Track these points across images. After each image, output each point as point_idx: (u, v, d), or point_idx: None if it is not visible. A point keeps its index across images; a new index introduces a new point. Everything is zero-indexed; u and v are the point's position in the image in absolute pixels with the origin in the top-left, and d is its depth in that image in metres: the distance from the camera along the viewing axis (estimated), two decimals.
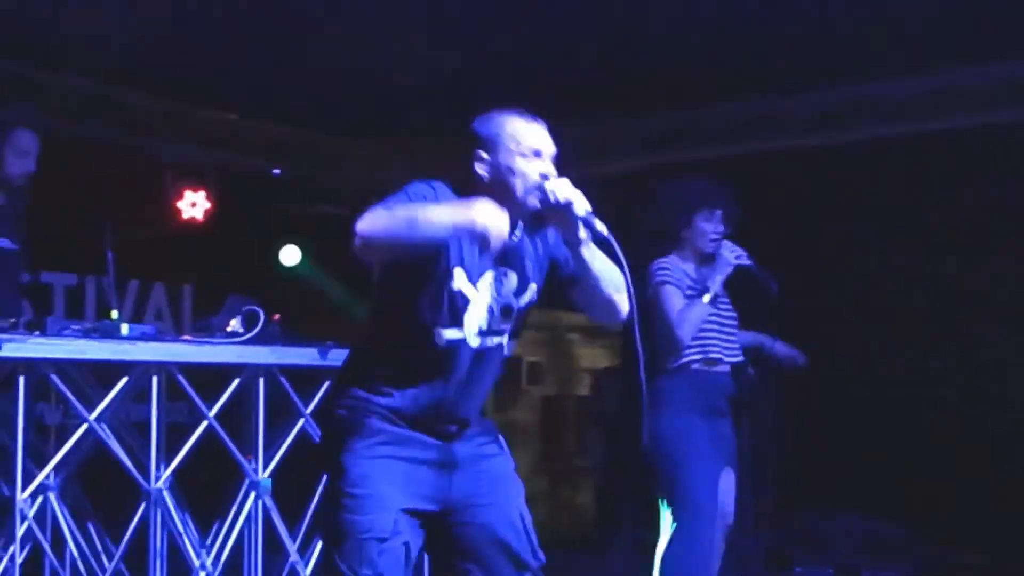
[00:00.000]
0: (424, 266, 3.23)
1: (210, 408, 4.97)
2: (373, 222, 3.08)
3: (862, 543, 6.97)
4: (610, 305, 3.37)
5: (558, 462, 10.26)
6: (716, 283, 4.81)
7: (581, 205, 3.21)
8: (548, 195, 3.23)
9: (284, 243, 8.48)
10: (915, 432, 7.24)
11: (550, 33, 6.41)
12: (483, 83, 7.14)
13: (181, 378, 4.84)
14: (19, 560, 4.38)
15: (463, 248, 3.24)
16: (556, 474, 10.16)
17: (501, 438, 3.47)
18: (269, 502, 5.21)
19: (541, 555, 3.39)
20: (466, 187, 3.28)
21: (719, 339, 4.87)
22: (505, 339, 3.36)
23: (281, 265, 8.44)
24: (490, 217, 3.02)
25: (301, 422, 5.33)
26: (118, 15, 6.12)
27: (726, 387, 4.91)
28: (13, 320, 4.56)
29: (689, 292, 4.82)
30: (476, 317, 3.28)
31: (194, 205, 7.98)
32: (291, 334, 5.30)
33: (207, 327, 5.18)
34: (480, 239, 3.03)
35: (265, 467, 5.21)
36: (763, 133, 7.72)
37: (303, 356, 5.25)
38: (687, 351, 4.80)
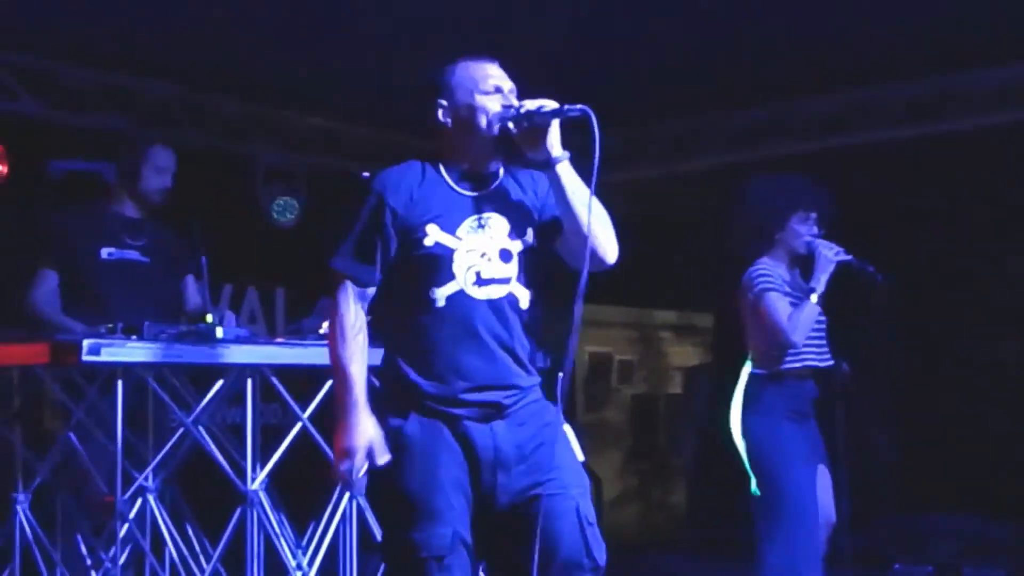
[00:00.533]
0: (401, 243, 3.27)
1: (303, 410, 5.02)
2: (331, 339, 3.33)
3: (965, 542, 6.88)
4: (593, 239, 3.23)
5: (649, 461, 10.22)
6: (821, 283, 4.73)
7: (548, 104, 3.19)
8: (514, 113, 3.23)
9: None
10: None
11: (639, 28, 6.38)
12: (577, 80, 7.17)
13: (275, 380, 4.89)
14: (120, 561, 4.45)
15: (434, 202, 3.26)
16: (647, 473, 10.12)
17: (556, 411, 3.29)
18: (363, 502, 5.24)
19: (598, 556, 3.27)
20: (433, 140, 3.34)
21: (814, 346, 4.82)
22: (514, 287, 3.27)
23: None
24: (353, 440, 3.17)
25: None
26: (211, 23, 6.22)
27: (811, 392, 4.86)
28: (111, 325, 4.65)
29: (788, 296, 4.77)
30: (467, 265, 3.23)
31: (285, 209, 8.06)
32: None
33: (299, 330, 5.23)
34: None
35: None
36: (853, 125, 7.64)
37: None
38: (787, 359, 4.76)
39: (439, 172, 3.35)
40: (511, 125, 3.24)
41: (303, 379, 5.16)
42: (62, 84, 6.85)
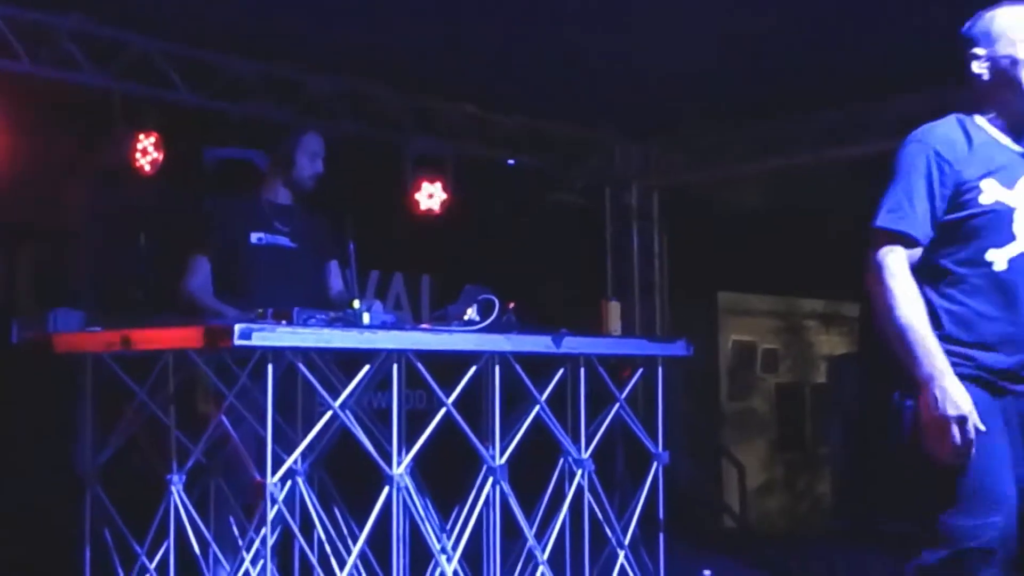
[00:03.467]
0: (952, 202, 3.04)
1: (448, 395, 5.06)
2: (884, 298, 2.99)
3: None
4: None
5: (795, 451, 10.10)
6: None
7: None
8: None
9: (521, 233, 8.57)
10: None
11: (800, 17, 6.28)
12: (728, 73, 7.12)
13: (420, 366, 4.94)
14: (270, 543, 4.54)
15: (987, 158, 3.05)
16: (792, 463, 10.01)
17: None
18: (506, 487, 5.27)
19: None
20: (970, 91, 3.14)
21: None
22: None
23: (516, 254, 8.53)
24: (958, 407, 2.87)
25: (536, 409, 5.37)
26: (363, 15, 6.30)
27: None
28: (261, 311, 4.74)
29: None
30: None
31: (431, 197, 8.13)
32: (525, 322, 5.35)
33: (444, 316, 5.28)
34: None
35: (502, 453, 5.28)
36: None
37: (537, 344, 5.29)
38: None
39: (983, 128, 3.16)
40: None
41: (448, 365, 5.20)
42: (221, 75, 7.00)
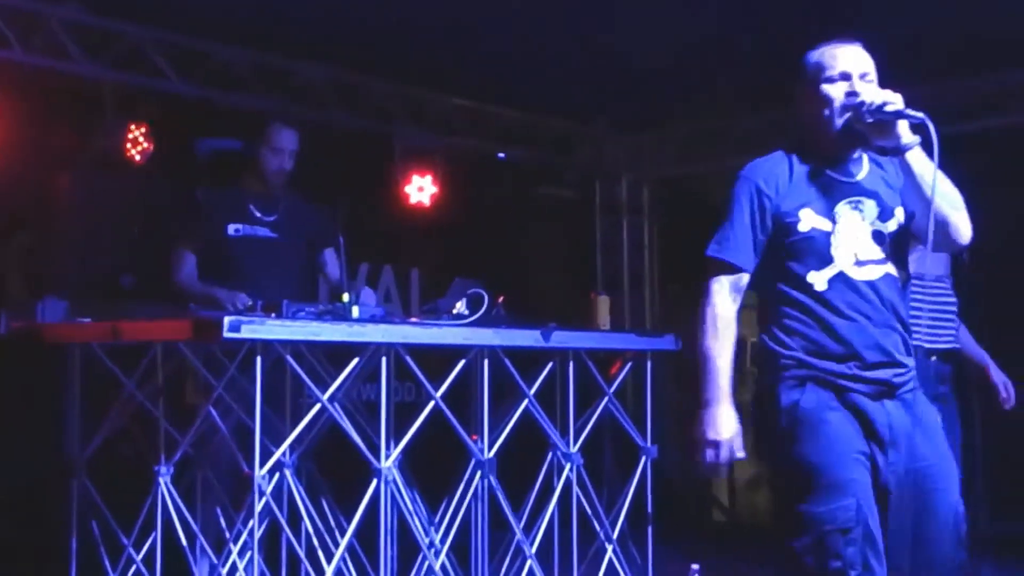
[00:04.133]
0: (775, 230, 3.37)
1: (436, 388, 5.06)
2: (700, 325, 3.39)
3: None
4: (946, 226, 3.30)
5: None
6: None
7: (892, 102, 3.23)
8: (858, 106, 3.27)
9: (510, 226, 8.57)
10: None
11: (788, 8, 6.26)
12: (719, 65, 7.11)
13: (409, 359, 4.94)
14: (257, 535, 4.54)
15: (805, 188, 3.35)
16: None
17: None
18: (494, 481, 5.28)
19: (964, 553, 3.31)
20: (794, 127, 3.44)
21: (923, 325, 4.69)
22: (890, 267, 3.35)
23: (505, 248, 8.53)
24: (720, 432, 3.30)
25: (525, 403, 5.38)
26: (355, 4, 6.29)
27: (938, 374, 4.75)
28: (251, 303, 4.75)
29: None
30: (846, 248, 3.31)
31: (421, 190, 8.12)
32: (515, 316, 5.35)
33: (434, 309, 5.27)
34: None
35: (490, 447, 5.28)
36: None
37: (526, 338, 5.30)
38: None
39: (804, 159, 3.43)
40: (853, 121, 3.30)
41: (437, 358, 5.21)
42: (213, 64, 6.98)
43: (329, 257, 5.67)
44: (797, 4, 6.17)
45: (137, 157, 6.70)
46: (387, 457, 4.87)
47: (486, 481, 5.26)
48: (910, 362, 3.37)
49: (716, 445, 3.30)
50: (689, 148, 9.12)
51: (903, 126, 3.25)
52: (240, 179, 5.61)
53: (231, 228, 5.43)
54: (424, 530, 5.19)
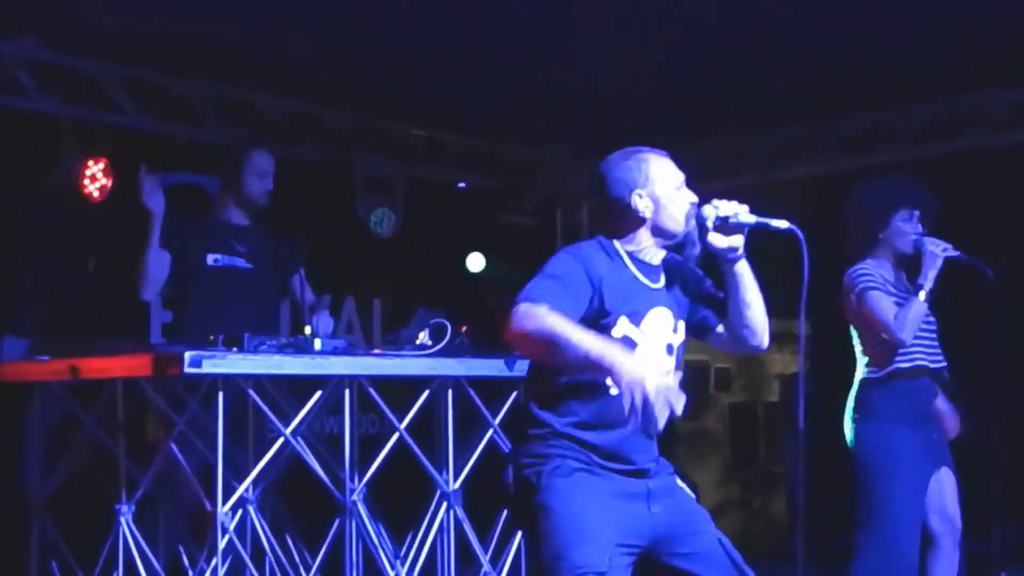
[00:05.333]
0: (590, 319, 3.24)
1: (401, 420, 5.03)
2: (524, 324, 3.08)
3: None
4: (758, 330, 3.51)
5: (749, 470, 10.11)
6: (929, 279, 4.62)
7: (746, 213, 3.38)
8: (716, 214, 3.38)
9: (471, 254, 8.56)
10: None
11: (738, 37, 6.34)
12: (674, 91, 7.15)
13: (372, 391, 4.91)
14: (221, 573, 4.50)
15: (624, 292, 3.31)
16: (747, 482, 10.02)
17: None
18: (461, 512, 5.25)
19: (750, 572, 3.41)
20: (616, 226, 3.41)
21: (923, 346, 4.72)
22: (673, 377, 3.38)
23: (469, 276, 8.52)
24: (641, 372, 3.00)
25: (490, 433, 5.36)
26: (313, 37, 6.27)
27: (931, 393, 4.77)
28: (212, 337, 4.71)
29: (892, 296, 4.69)
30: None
31: (380, 219, 8.09)
32: (478, 346, 5.34)
33: (397, 340, 5.26)
34: (630, 393, 2.99)
35: (456, 478, 5.26)
36: (961, 132, 7.50)
37: (490, 367, 5.29)
38: (897, 359, 4.67)
39: (623, 258, 3.42)
40: (710, 225, 3.39)
41: (401, 389, 5.19)
42: (171, 97, 6.94)
43: (297, 283, 5.61)
44: (746, 32, 6.20)
45: (96, 193, 6.63)
46: (352, 491, 4.84)
47: (452, 512, 5.24)
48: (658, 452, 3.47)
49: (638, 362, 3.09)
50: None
51: (741, 238, 3.38)
52: (211, 209, 5.56)
53: (211, 258, 5.37)
54: (390, 564, 5.14)
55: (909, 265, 4.78)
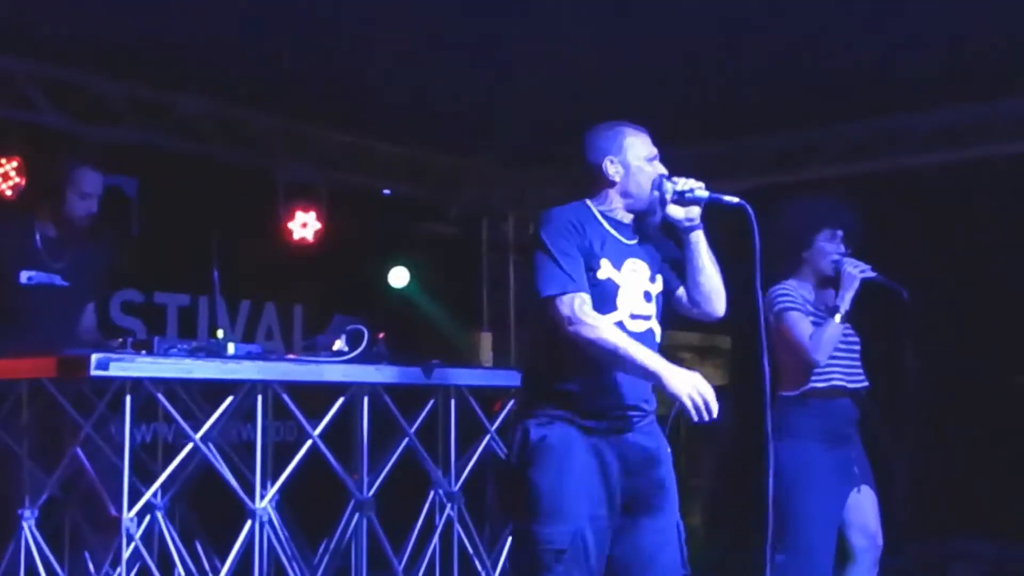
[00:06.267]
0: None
1: (315, 427, 4.97)
2: (586, 334, 3.43)
3: (988, 567, 6.78)
4: (712, 297, 3.75)
5: None
6: (846, 301, 4.62)
7: (702, 189, 3.70)
8: (673, 188, 3.69)
9: (394, 263, 8.50)
10: None
11: (669, 52, 6.34)
12: (597, 105, 7.14)
13: (286, 397, 4.84)
14: None
15: (601, 241, 3.61)
16: None
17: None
18: (375, 520, 5.20)
19: (687, 569, 3.68)
20: (590, 188, 3.75)
21: (842, 366, 4.72)
22: (654, 324, 3.68)
23: (390, 285, 8.47)
24: (700, 388, 3.43)
25: (406, 441, 5.31)
26: (235, 38, 6.19)
27: (849, 413, 4.77)
28: (122, 339, 4.60)
29: (811, 316, 4.68)
30: (628, 300, 3.59)
31: (305, 226, 8.00)
32: (396, 353, 5.28)
33: (313, 346, 5.19)
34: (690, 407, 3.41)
35: (370, 486, 5.20)
36: (883, 152, 7.57)
37: (408, 375, 5.24)
38: (813, 379, 4.67)
39: (596, 216, 3.73)
40: (669, 197, 3.69)
41: (317, 396, 5.12)
42: (88, 96, 6.81)
43: (88, 308, 5.38)
44: (681, 39, 6.22)
45: (8, 192, 6.51)
46: (262, 497, 4.76)
47: (365, 520, 5.18)
48: (650, 407, 3.71)
49: (696, 380, 3.47)
50: (575, 187, 9.11)
51: (697, 209, 3.70)
52: (33, 219, 5.20)
53: (24, 276, 5.05)
54: (301, 572, 5.07)
55: (834, 286, 4.77)
